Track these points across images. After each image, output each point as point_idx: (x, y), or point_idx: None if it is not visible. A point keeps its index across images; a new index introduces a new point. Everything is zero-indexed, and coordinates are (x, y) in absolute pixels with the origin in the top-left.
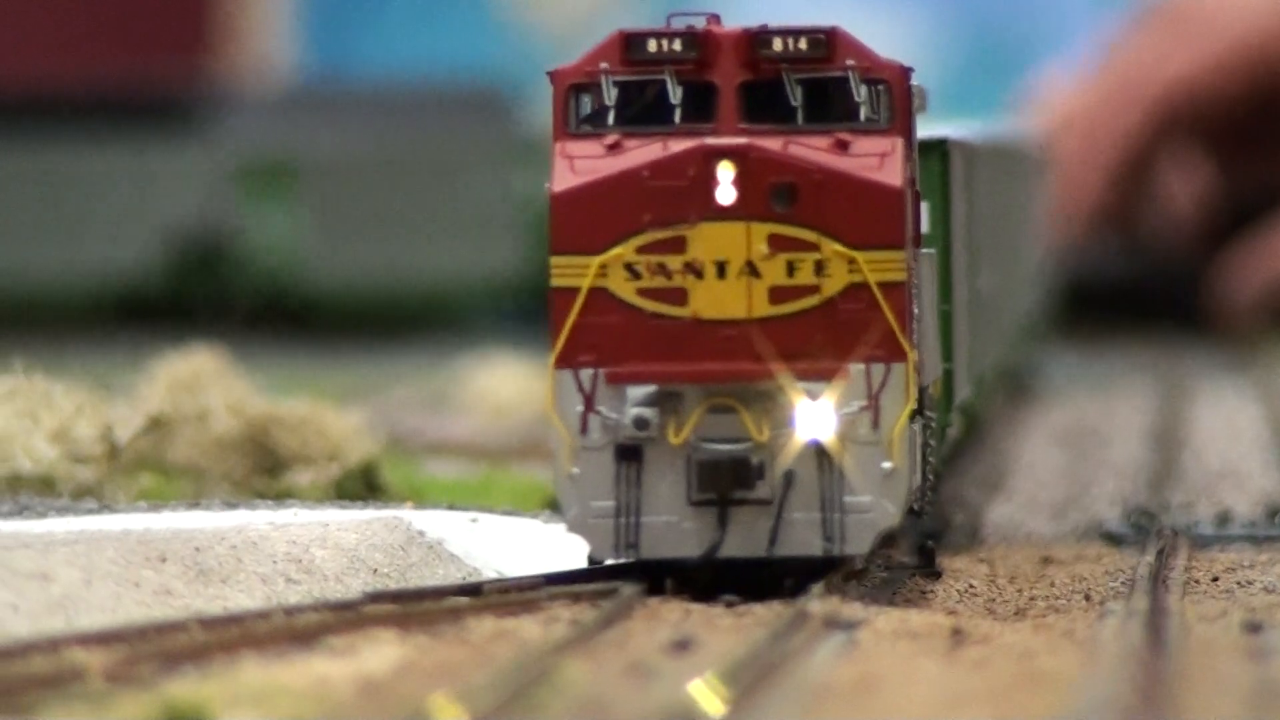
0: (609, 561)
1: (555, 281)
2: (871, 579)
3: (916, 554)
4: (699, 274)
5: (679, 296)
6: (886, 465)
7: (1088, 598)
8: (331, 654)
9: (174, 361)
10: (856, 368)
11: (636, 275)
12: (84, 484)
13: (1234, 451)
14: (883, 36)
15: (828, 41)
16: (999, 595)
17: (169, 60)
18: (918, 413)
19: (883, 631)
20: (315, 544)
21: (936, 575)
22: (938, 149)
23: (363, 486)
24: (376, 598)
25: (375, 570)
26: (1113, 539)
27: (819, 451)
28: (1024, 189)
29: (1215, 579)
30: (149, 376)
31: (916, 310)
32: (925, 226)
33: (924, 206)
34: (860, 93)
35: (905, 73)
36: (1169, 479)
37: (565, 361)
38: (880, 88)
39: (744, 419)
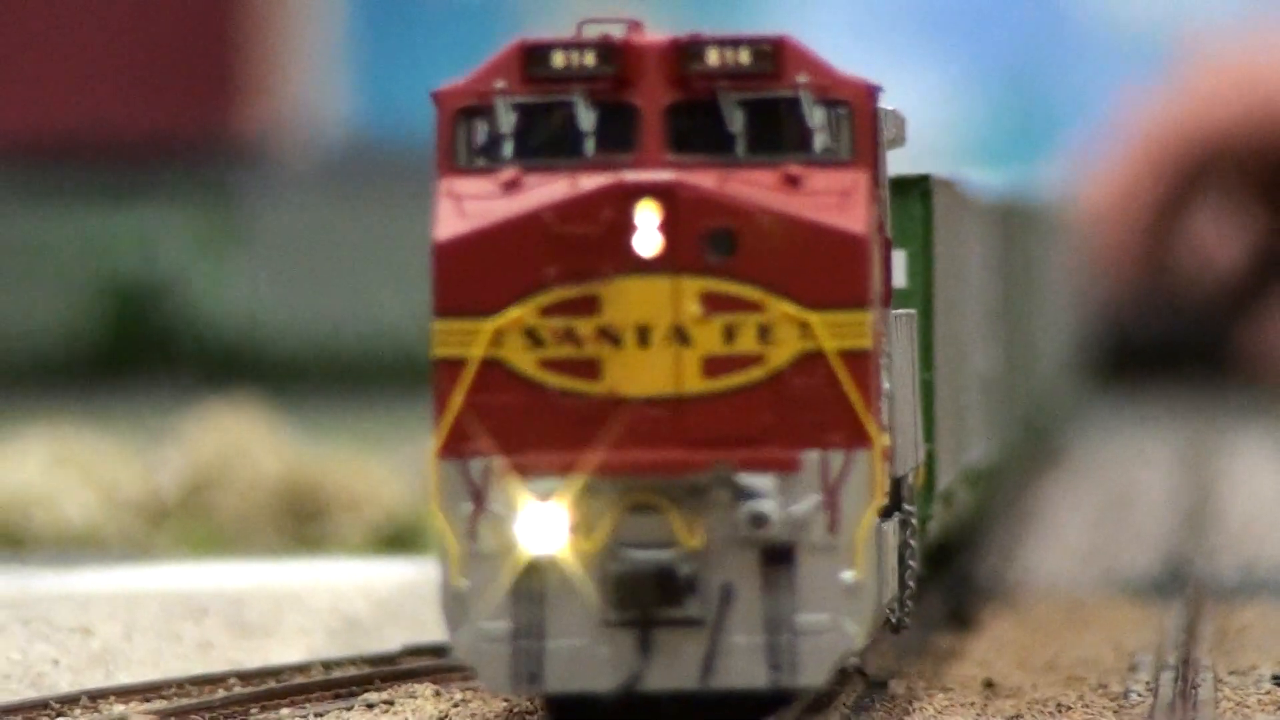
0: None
1: (438, 351)
2: (840, 706)
3: (953, 615)
4: (616, 341)
5: (591, 369)
6: (847, 576)
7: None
8: (368, 708)
9: (218, 413)
10: (810, 456)
11: (539, 343)
12: (127, 536)
13: (1260, 503)
14: (912, 94)
15: (774, 54)
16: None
17: (197, 111)
18: (893, 508)
19: None
20: (356, 595)
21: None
22: (918, 187)
23: (402, 535)
24: (415, 651)
25: (413, 621)
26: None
27: (763, 561)
28: (1051, 251)
29: (1243, 630)
30: (194, 427)
31: (887, 385)
32: (902, 279)
33: (900, 256)
34: (815, 117)
35: (871, 92)
36: (1199, 532)
37: (451, 451)
38: (840, 111)
39: (671, 520)
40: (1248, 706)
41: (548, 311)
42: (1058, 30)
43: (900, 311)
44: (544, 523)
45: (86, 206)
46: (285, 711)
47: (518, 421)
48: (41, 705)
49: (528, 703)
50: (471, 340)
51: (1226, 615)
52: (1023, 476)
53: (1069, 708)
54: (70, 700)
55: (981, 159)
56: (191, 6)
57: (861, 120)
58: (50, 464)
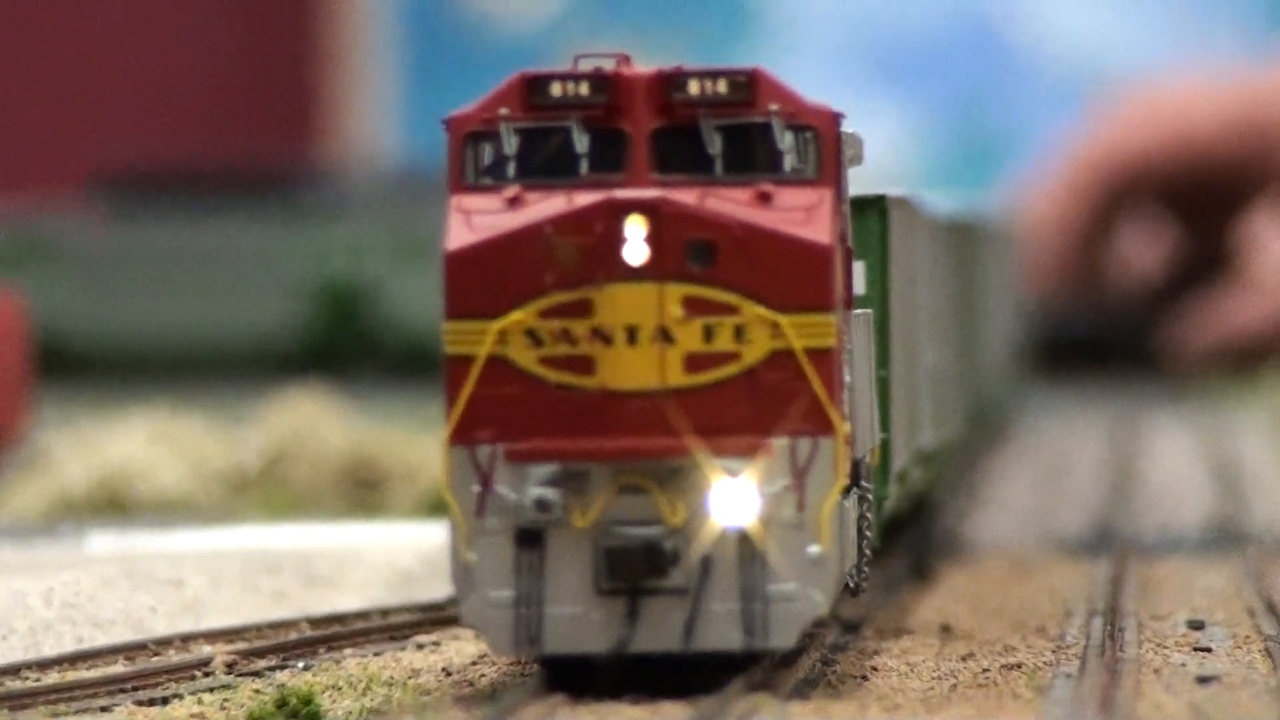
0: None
1: (449, 349)
2: (808, 660)
3: (915, 570)
4: (607, 340)
5: (585, 365)
6: (814, 550)
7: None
8: (419, 649)
9: (292, 399)
10: (780, 443)
11: (538, 342)
12: (215, 503)
13: (1174, 474)
14: (879, 126)
15: (749, 84)
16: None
17: (282, 143)
18: (854, 485)
19: None
20: (408, 553)
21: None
22: (876, 206)
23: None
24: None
25: None
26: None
27: (740, 536)
28: (994, 260)
29: (1161, 581)
30: (273, 411)
31: (849, 378)
32: (861, 287)
33: (860, 266)
34: (785, 140)
35: (835, 118)
36: (1124, 498)
37: (460, 438)
38: (807, 135)
39: (657, 500)
40: (1166, 647)
41: (546, 314)
42: (1002, 73)
43: (859, 312)
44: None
45: (302, 221)
46: (348, 651)
47: (520, 412)
48: (141, 646)
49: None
50: (478, 340)
51: (1147, 569)
52: (973, 454)
53: (1014, 648)
54: (165, 642)
55: (937, 182)
56: (274, 59)
57: (826, 143)
58: (150, 441)
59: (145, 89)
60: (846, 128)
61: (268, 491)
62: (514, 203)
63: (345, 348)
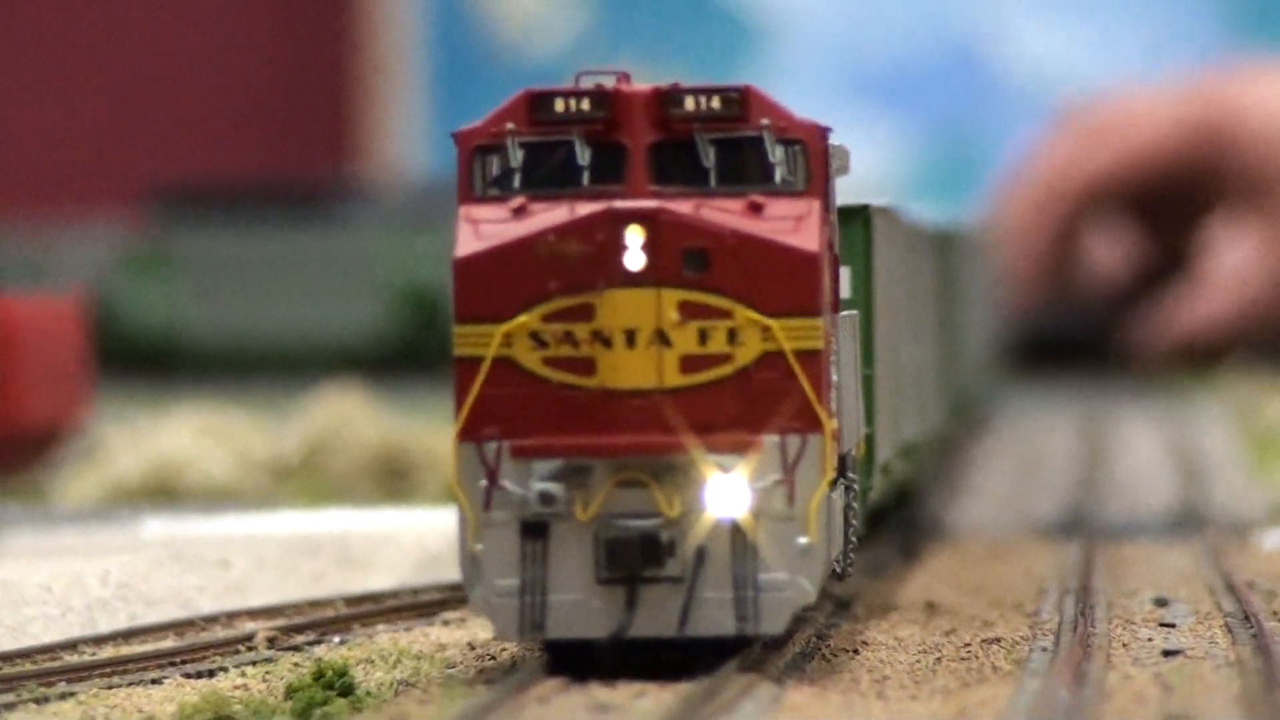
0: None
1: (458, 351)
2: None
3: (901, 552)
4: (607, 343)
5: (586, 366)
6: (803, 541)
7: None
8: (446, 624)
9: (329, 395)
10: (771, 440)
11: (542, 344)
12: (258, 490)
13: (1139, 462)
14: (867, 143)
15: (741, 100)
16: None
17: (321, 161)
18: (841, 477)
19: None
20: (435, 536)
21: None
22: (861, 215)
23: None
24: None
25: None
26: (1051, 531)
27: (733, 528)
28: (973, 266)
29: (1127, 561)
30: (312, 407)
31: (835, 377)
32: (847, 291)
33: (846, 271)
34: (775, 153)
35: (823, 132)
36: (1093, 485)
37: (469, 434)
38: (796, 148)
39: (654, 494)
40: (1133, 622)
41: (550, 318)
42: (979, 93)
43: (845, 314)
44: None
45: (386, 229)
46: (380, 627)
47: (525, 410)
48: (189, 623)
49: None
50: (486, 342)
51: (1115, 550)
52: (954, 446)
53: (993, 624)
54: (211, 619)
55: (920, 195)
56: (314, 85)
57: (814, 156)
58: (199, 433)
59: (198, 112)
60: (834, 141)
61: (307, 480)
62: (519, 212)
63: (427, 348)
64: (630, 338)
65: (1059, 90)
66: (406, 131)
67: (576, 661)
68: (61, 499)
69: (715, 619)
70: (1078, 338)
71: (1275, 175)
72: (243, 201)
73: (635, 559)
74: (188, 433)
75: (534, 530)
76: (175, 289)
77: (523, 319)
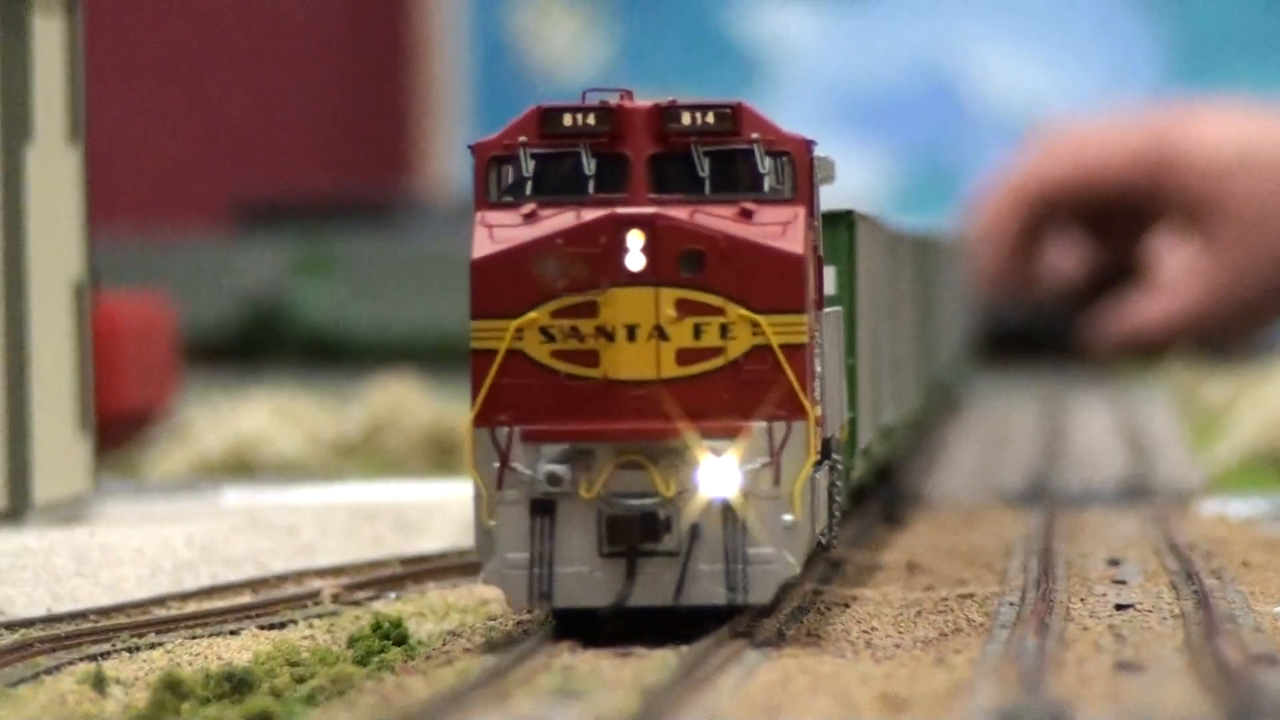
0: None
1: (474, 344)
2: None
3: (885, 518)
4: (610, 337)
5: (591, 358)
6: (788, 518)
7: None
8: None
9: (385, 383)
10: (759, 426)
11: (551, 338)
12: (324, 465)
13: (1094, 440)
14: (855, 161)
15: (733, 116)
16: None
17: (381, 177)
18: (825, 459)
19: None
20: None
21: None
22: (844, 219)
23: None
24: None
25: None
26: (1016, 499)
27: (724, 506)
28: (944, 269)
29: (1084, 527)
30: (371, 392)
31: (819, 368)
32: (832, 288)
33: (831, 271)
34: (764, 164)
35: (808, 145)
36: (1053, 459)
37: (483, 420)
38: (783, 159)
39: (652, 475)
40: (1090, 580)
41: (557, 314)
42: (954, 118)
43: (830, 310)
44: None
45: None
46: (431, 584)
47: (534, 399)
48: (263, 581)
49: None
50: (499, 336)
51: (1073, 517)
52: (930, 427)
53: (967, 581)
54: (283, 578)
55: (902, 208)
56: (375, 111)
57: (800, 167)
58: (272, 415)
59: (274, 134)
60: (819, 153)
61: (367, 456)
62: (530, 218)
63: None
64: (631, 332)
65: (1024, 117)
66: (456, 151)
67: (583, 628)
68: (153, 473)
69: (708, 589)
70: (1039, 331)
71: (1210, 197)
72: (320, 213)
73: (635, 534)
74: (263, 414)
75: (542, 508)
76: (335, 289)
77: (533, 315)
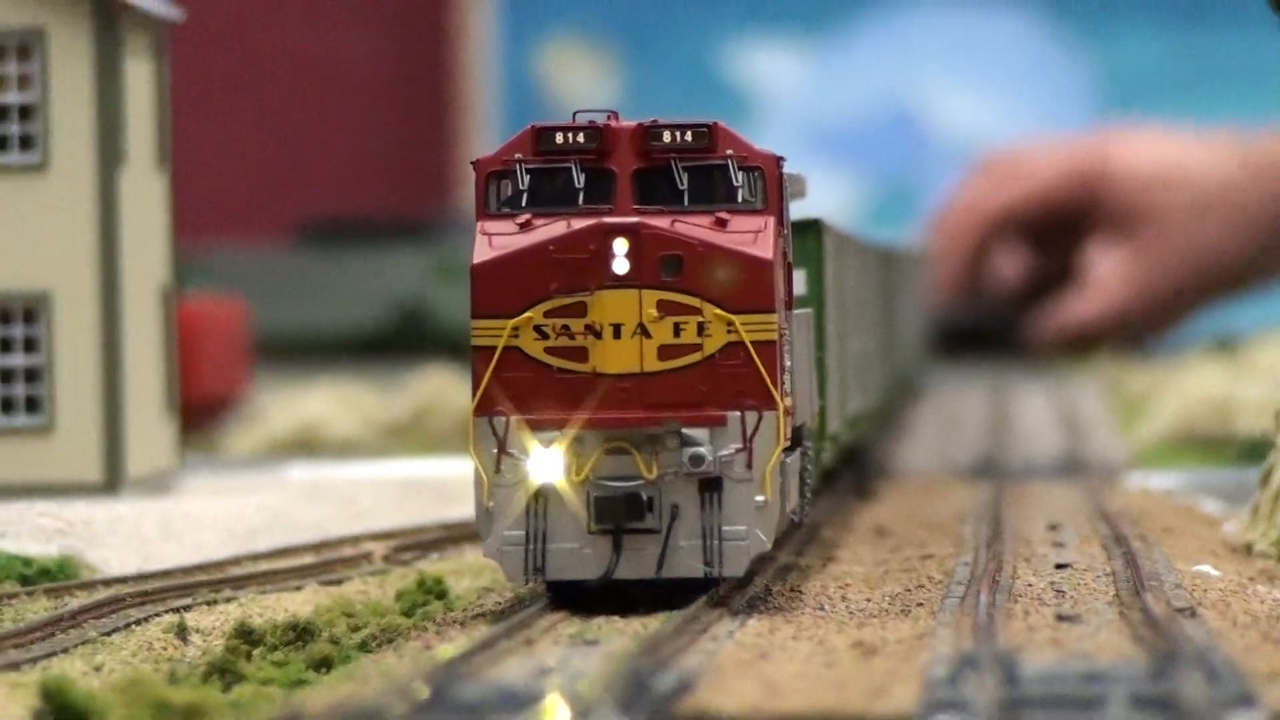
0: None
1: (475, 341)
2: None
3: (857, 488)
4: (598, 334)
5: (580, 354)
6: (759, 499)
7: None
8: None
9: (426, 373)
10: (733, 415)
11: (544, 336)
12: (376, 444)
13: (1035, 423)
14: (829, 183)
15: (710, 134)
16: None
17: (426, 198)
18: (796, 444)
19: None
20: None
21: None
22: (814, 228)
23: None
24: None
25: None
26: (969, 474)
27: (700, 487)
28: (906, 275)
29: (1026, 497)
30: (416, 381)
31: (789, 363)
32: (802, 289)
33: (801, 274)
34: (738, 178)
35: (778, 162)
36: (1000, 439)
37: (483, 410)
38: (755, 174)
39: (636, 460)
40: (1033, 543)
41: (550, 314)
42: (914, 147)
43: (800, 311)
44: (547, 461)
45: None
46: (467, 547)
47: (529, 390)
48: (323, 543)
49: None
50: (497, 334)
51: (1017, 488)
52: (894, 413)
53: (927, 543)
54: (340, 540)
55: (871, 223)
56: (420, 140)
57: (770, 181)
58: (332, 401)
59: (333, 161)
60: (791, 169)
61: (413, 436)
62: (525, 227)
63: None
64: (617, 330)
65: (973, 145)
66: None
67: (574, 598)
68: (229, 451)
69: (686, 563)
70: (987, 329)
71: (1134, 211)
72: (374, 230)
73: (620, 514)
74: (324, 401)
75: (536, 490)
76: (464, 292)
77: (528, 315)
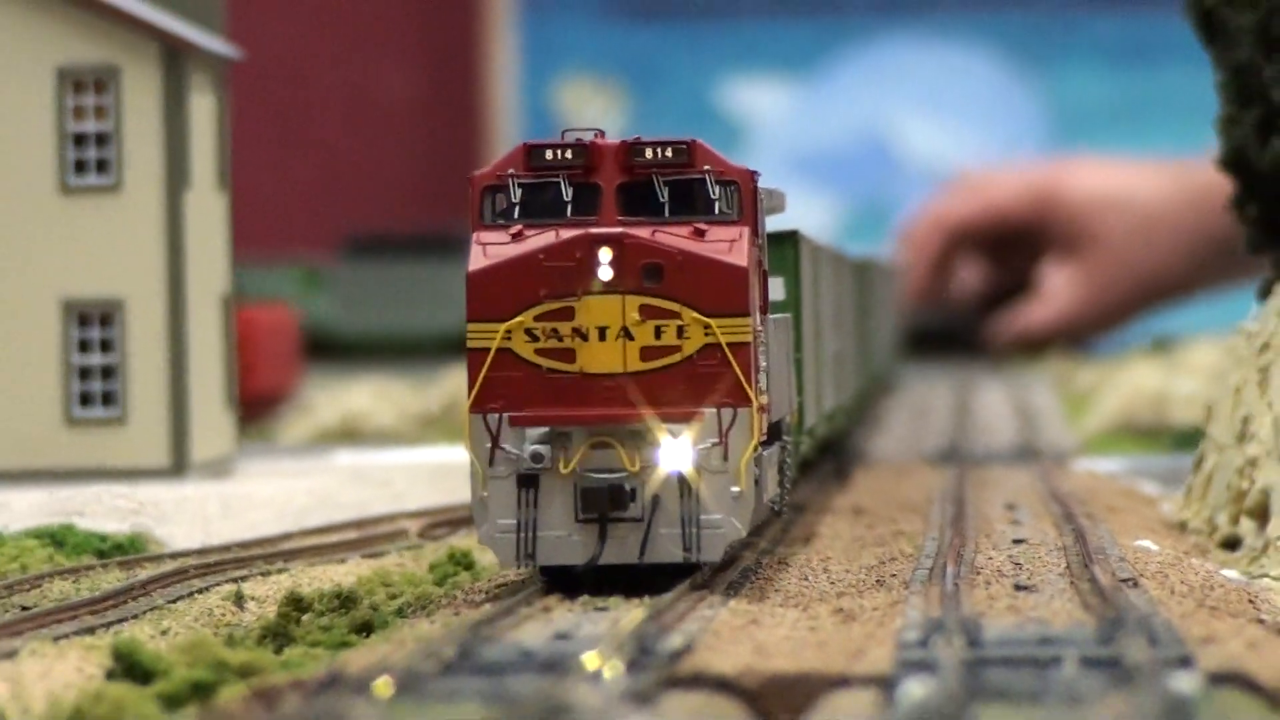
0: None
1: (470, 343)
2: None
3: (836, 473)
4: (584, 337)
5: (568, 355)
6: (735, 490)
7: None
8: None
9: (457, 370)
10: (710, 411)
11: (535, 338)
12: (411, 433)
13: (994, 414)
14: (809, 203)
15: (689, 150)
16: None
17: (456, 214)
18: (774, 439)
19: None
20: None
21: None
22: (790, 239)
23: None
24: None
25: None
26: (936, 459)
27: (680, 479)
28: (880, 284)
29: (986, 480)
30: (446, 377)
31: (765, 363)
32: (780, 294)
33: (779, 282)
34: (715, 191)
35: (753, 176)
36: (963, 428)
37: (477, 407)
38: (731, 187)
39: (620, 453)
40: (992, 520)
41: (540, 318)
42: (888, 173)
43: (778, 315)
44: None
45: None
46: None
47: (520, 389)
48: (365, 521)
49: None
50: (491, 336)
51: (979, 472)
52: (868, 406)
53: (899, 520)
54: (380, 519)
55: (848, 237)
56: (450, 162)
57: (746, 193)
58: (373, 395)
59: (374, 181)
60: (766, 185)
61: (444, 426)
62: (517, 237)
63: None
64: (602, 333)
65: (939, 169)
66: None
67: (564, 582)
68: (281, 439)
69: (667, 550)
70: (951, 332)
71: (1084, 230)
72: (412, 245)
73: (605, 503)
74: (366, 395)
75: (527, 481)
76: None
77: (520, 319)
